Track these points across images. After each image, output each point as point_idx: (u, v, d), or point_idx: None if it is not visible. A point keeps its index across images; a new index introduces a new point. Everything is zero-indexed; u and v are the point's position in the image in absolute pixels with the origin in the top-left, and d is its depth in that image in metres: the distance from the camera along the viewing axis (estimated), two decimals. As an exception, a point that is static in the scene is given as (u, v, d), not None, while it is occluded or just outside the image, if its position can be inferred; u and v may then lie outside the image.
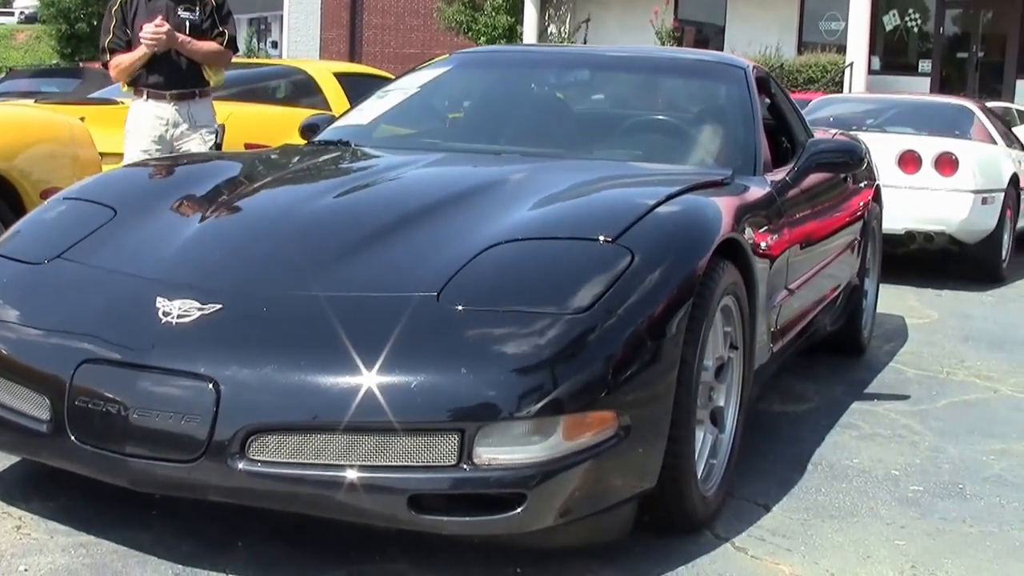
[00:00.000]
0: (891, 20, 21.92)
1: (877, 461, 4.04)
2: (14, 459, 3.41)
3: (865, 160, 4.49)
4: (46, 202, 3.66)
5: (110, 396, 2.68)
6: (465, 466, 2.56)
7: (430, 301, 2.78)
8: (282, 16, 30.95)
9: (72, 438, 2.71)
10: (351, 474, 2.56)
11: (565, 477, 2.62)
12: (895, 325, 6.56)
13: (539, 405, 2.56)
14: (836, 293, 5.09)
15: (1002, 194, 8.25)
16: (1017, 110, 15.00)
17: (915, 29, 21.86)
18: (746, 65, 4.79)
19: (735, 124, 4.41)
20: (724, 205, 3.40)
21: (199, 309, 2.79)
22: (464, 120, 4.76)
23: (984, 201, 8.03)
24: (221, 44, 5.61)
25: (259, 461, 2.59)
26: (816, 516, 3.46)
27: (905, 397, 4.97)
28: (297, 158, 4.15)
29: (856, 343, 5.65)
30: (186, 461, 2.61)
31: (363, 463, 2.56)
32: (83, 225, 3.30)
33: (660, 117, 4.71)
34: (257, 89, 7.82)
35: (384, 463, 2.57)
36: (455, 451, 2.56)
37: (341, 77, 8.11)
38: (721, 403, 3.41)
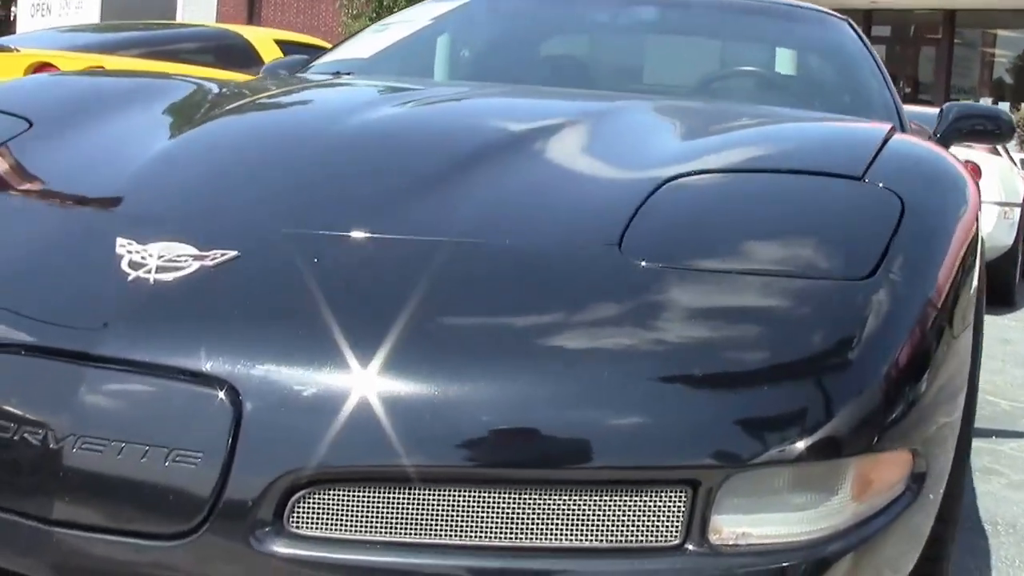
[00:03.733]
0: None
1: (1065, 520, 2.98)
2: None
3: (1016, 130, 3.40)
4: None
5: (22, 415, 1.45)
6: (694, 547, 1.40)
7: (608, 254, 1.60)
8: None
9: None
10: (487, 564, 1.38)
11: (846, 562, 1.46)
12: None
13: (814, 438, 1.39)
14: None
15: (1019, 209, 7.37)
16: None
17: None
18: (846, 18, 3.72)
19: (866, 77, 3.29)
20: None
21: (196, 258, 1.56)
22: (512, 58, 3.48)
23: (1005, 215, 7.14)
24: None
25: (312, 539, 1.39)
26: (1056, 605, 2.39)
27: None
28: (295, 83, 2.90)
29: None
30: (170, 536, 1.39)
31: (513, 543, 1.38)
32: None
33: (770, 67, 3.57)
34: (180, 50, 6.44)
35: (551, 544, 1.39)
36: (680, 521, 1.40)
37: (284, 45, 6.76)
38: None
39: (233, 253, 1.57)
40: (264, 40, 6.80)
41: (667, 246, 1.61)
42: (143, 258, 1.56)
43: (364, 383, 1.39)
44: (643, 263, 1.57)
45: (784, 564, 1.41)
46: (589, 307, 1.53)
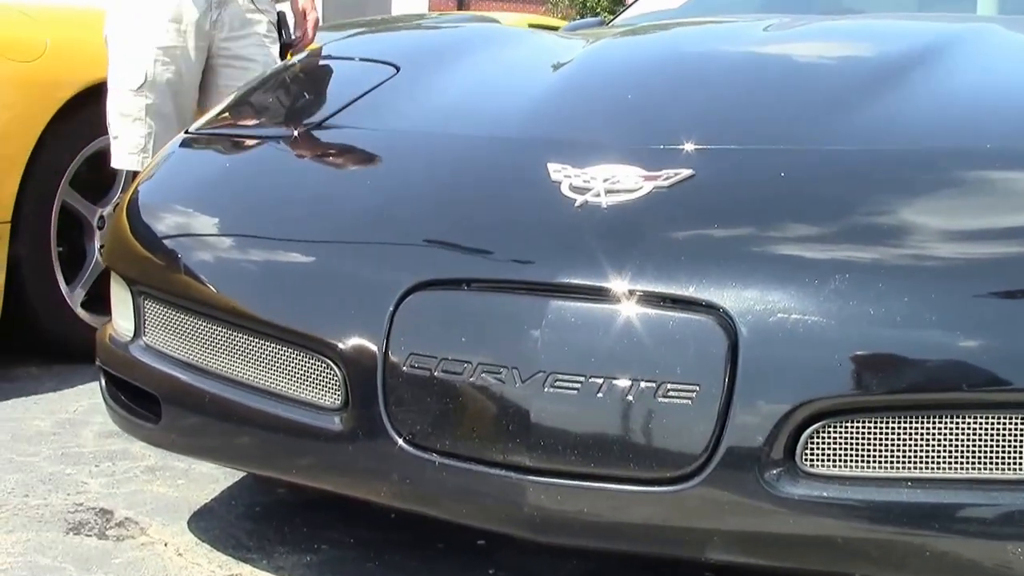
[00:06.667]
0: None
1: None
2: (236, 483, 2.08)
3: None
4: (271, 69, 2.36)
5: (478, 354, 1.32)
6: None
7: None
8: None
9: (399, 441, 1.36)
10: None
11: None
12: None
13: None
14: None
15: None
16: None
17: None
18: None
19: None
20: None
21: (647, 179, 1.41)
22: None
23: None
24: None
25: (831, 478, 1.21)
26: None
27: None
28: (641, 28, 2.71)
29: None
30: (667, 481, 1.24)
31: None
32: (348, 85, 1.98)
33: None
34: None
35: None
36: None
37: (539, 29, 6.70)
38: None
39: (687, 172, 1.42)
40: (519, 24, 6.75)
41: None
42: (586, 182, 1.42)
43: (870, 304, 1.21)
44: None
45: None
46: None
